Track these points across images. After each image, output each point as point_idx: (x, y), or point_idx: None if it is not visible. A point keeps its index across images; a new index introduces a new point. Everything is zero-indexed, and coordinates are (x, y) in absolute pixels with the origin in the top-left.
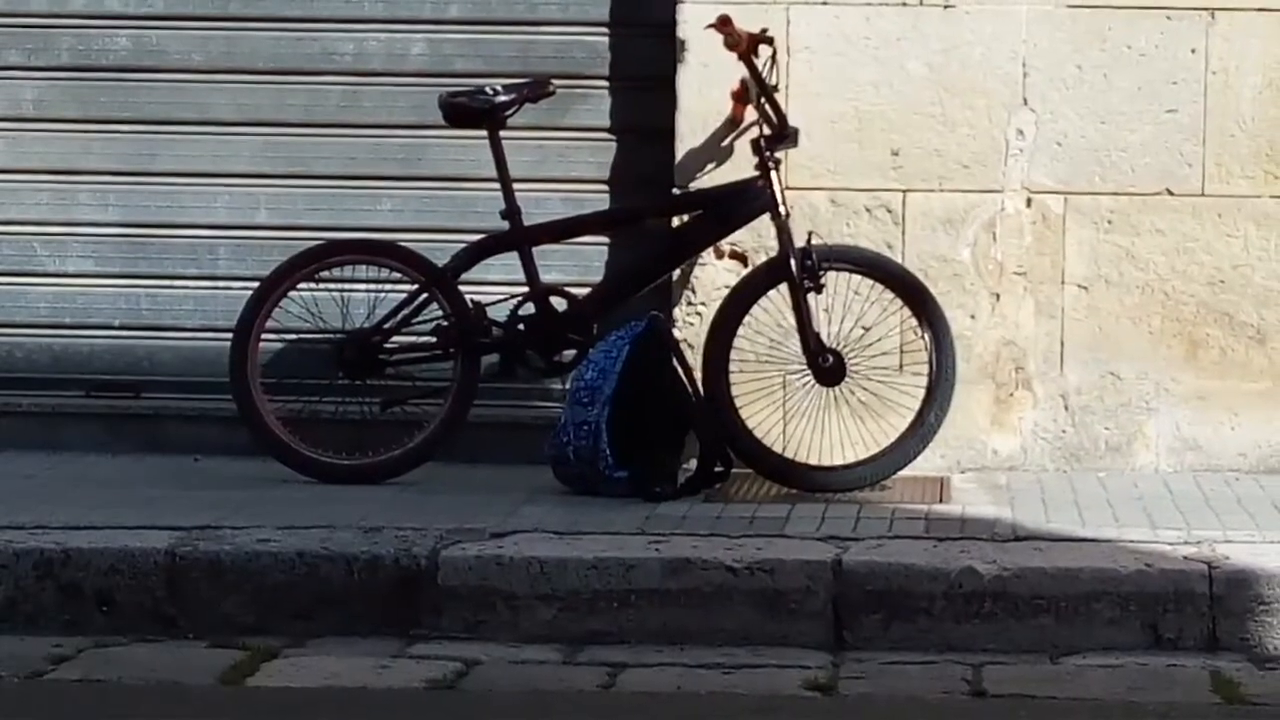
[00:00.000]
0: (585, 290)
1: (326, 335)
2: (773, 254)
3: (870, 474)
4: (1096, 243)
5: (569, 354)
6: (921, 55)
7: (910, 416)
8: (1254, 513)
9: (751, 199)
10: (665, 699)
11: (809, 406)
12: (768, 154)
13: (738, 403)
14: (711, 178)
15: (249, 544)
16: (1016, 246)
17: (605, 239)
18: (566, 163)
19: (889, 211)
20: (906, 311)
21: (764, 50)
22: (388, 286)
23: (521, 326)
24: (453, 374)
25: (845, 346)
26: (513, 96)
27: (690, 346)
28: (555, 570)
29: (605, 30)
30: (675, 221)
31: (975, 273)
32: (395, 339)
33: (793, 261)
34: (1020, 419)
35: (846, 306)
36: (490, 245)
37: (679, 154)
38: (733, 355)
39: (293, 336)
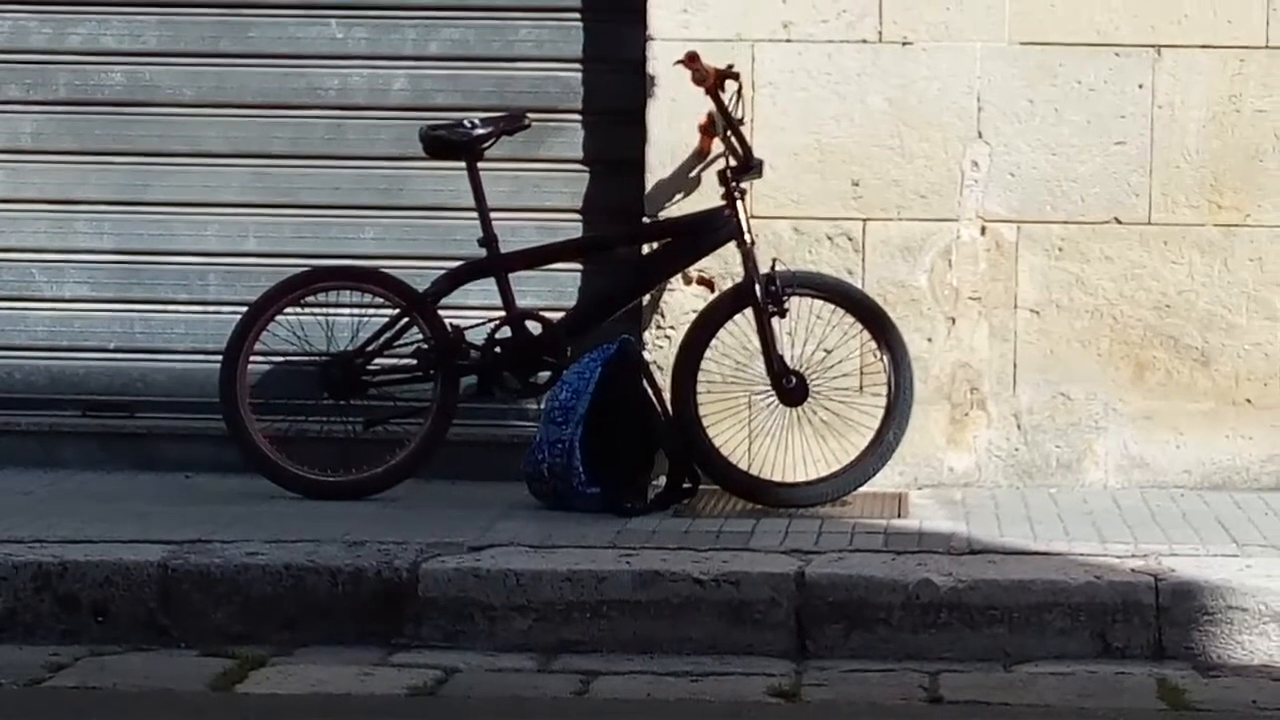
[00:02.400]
0: (559, 314)
1: (312, 357)
2: (738, 280)
3: (832, 490)
4: (1048, 269)
5: (544, 375)
6: (881, 90)
7: (870, 435)
8: (1198, 527)
9: (718, 227)
10: (636, 705)
11: (773, 426)
12: (733, 184)
13: (705, 422)
14: (680, 207)
15: (238, 557)
16: (971, 273)
17: (578, 266)
18: (541, 193)
19: (850, 239)
20: (866, 335)
21: (730, 85)
22: (370, 311)
23: (498, 349)
24: (433, 394)
25: (808, 368)
26: (490, 129)
27: (660, 368)
28: (530, 582)
29: (578, 66)
30: (645, 249)
31: (932, 298)
32: (378, 361)
33: (757, 287)
34: (975, 438)
35: (809, 330)
36: (468, 271)
37: (649, 184)
38: (700, 376)
39: (280, 359)
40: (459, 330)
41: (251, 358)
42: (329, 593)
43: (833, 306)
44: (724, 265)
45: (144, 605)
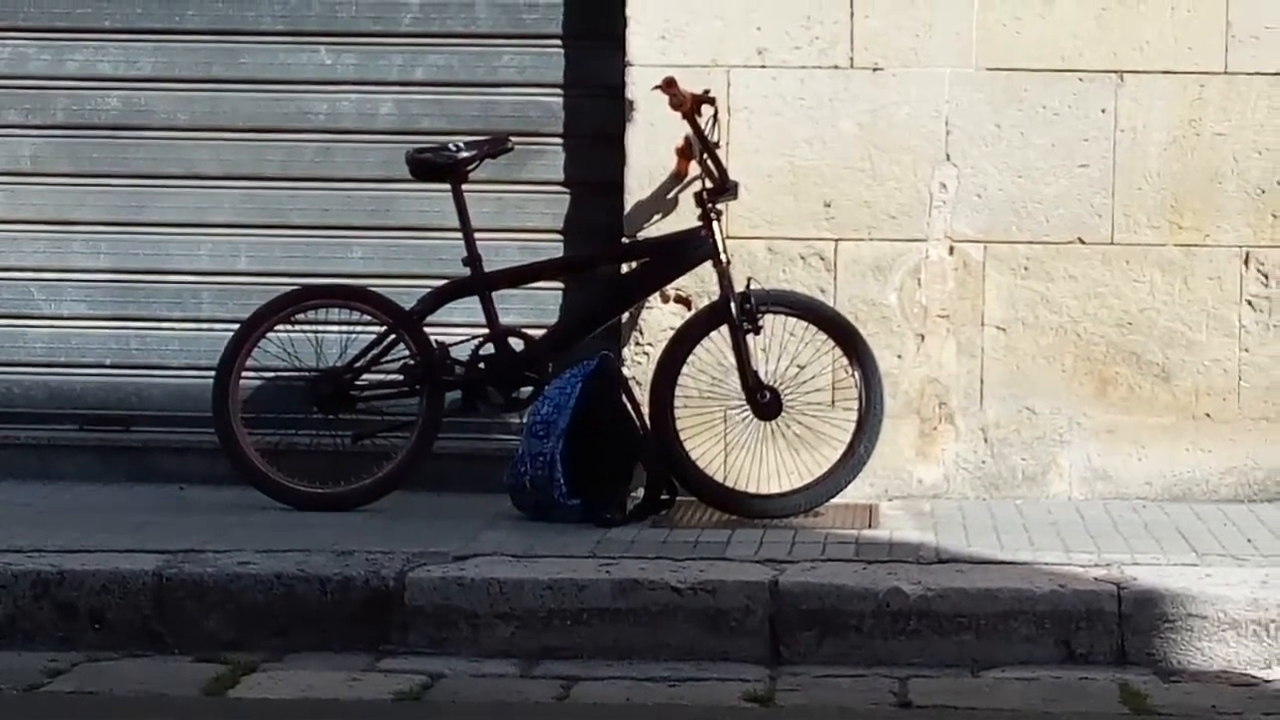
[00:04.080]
0: (541, 331)
1: (302, 373)
2: (714, 298)
3: (805, 502)
4: (1014, 288)
5: (526, 391)
6: (852, 115)
7: (842, 449)
8: (1159, 537)
9: (695, 247)
10: (616, 710)
11: (748, 439)
12: (710, 205)
13: (682, 435)
14: (658, 227)
15: (230, 566)
16: (940, 291)
17: (559, 284)
18: (523, 213)
19: (822, 259)
20: (838, 351)
21: (706, 110)
22: (358, 328)
23: (482, 365)
24: (418, 409)
25: (782, 384)
26: (474, 152)
27: (638, 384)
28: (513, 591)
29: (559, 91)
30: (624, 268)
31: (902, 315)
32: (365, 377)
33: (733, 305)
34: (943, 451)
35: (783, 347)
36: (453, 290)
37: (628, 205)
38: (677, 392)
39: (271, 374)
40: (444, 347)
41: (243, 373)
42: (318, 601)
43: (806, 324)
44: (701, 284)
45: (139, 613)
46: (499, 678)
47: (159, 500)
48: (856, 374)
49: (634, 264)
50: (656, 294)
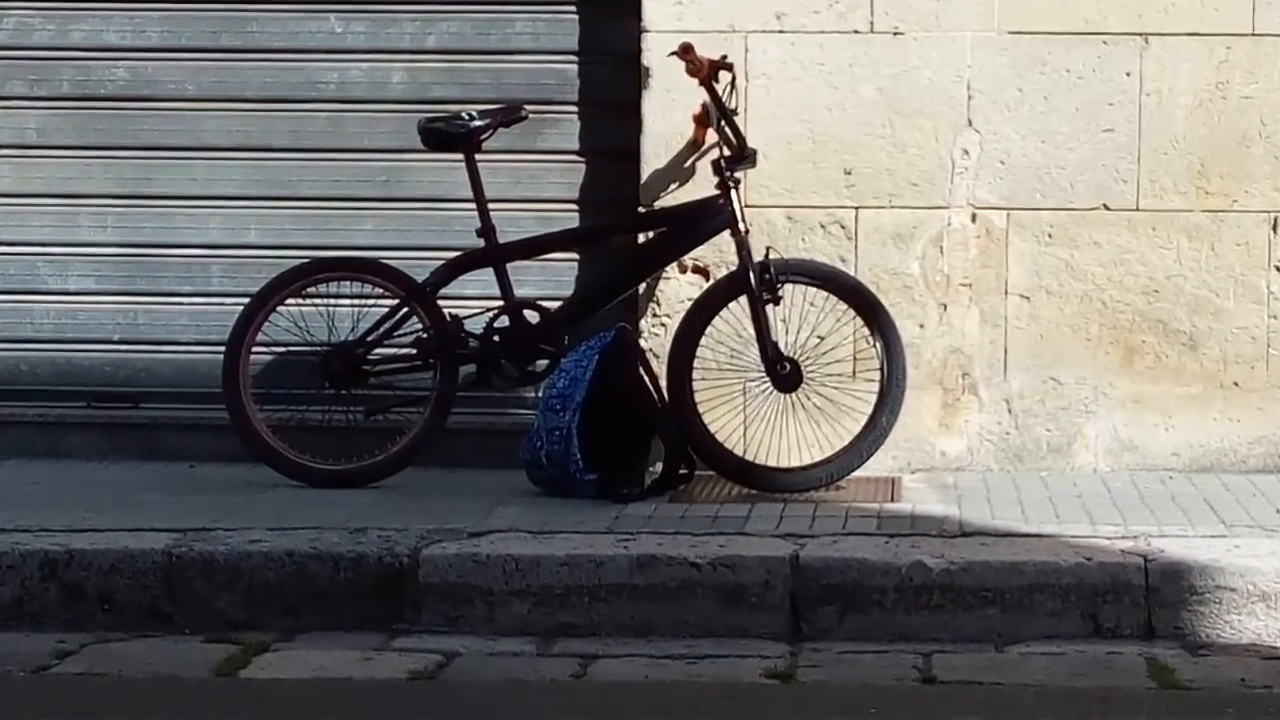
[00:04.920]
0: (556, 304)
1: (313, 348)
2: (733, 268)
3: (825, 475)
4: (1038, 255)
5: (541, 364)
6: (872, 80)
7: (863, 420)
8: (1187, 509)
9: (712, 216)
10: (634, 688)
11: (768, 412)
12: (728, 174)
13: (700, 409)
14: (675, 197)
15: (241, 544)
16: (962, 259)
17: (575, 255)
18: (538, 183)
19: (842, 227)
20: (859, 321)
21: (724, 76)
22: (370, 301)
23: (496, 338)
24: (432, 383)
25: (802, 355)
26: (487, 121)
27: (656, 356)
28: (529, 567)
29: (574, 59)
30: (641, 238)
31: (924, 284)
32: (378, 351)
33: (752, 275)
34: (966, 422)
35: (803, 317)
36: (467, 262)
37: (644, 174)
38: (695, 364)
39: (281, 349)
40: (458, 320)
41: (253, 348)
42: (331, 579)
43: (826, 294)
44: (719, 254)
45: (148, 593)
46: (515, 656)
47: (168, 478)
48: (878, 344)
49: (651, 234)
50: (674, 264)
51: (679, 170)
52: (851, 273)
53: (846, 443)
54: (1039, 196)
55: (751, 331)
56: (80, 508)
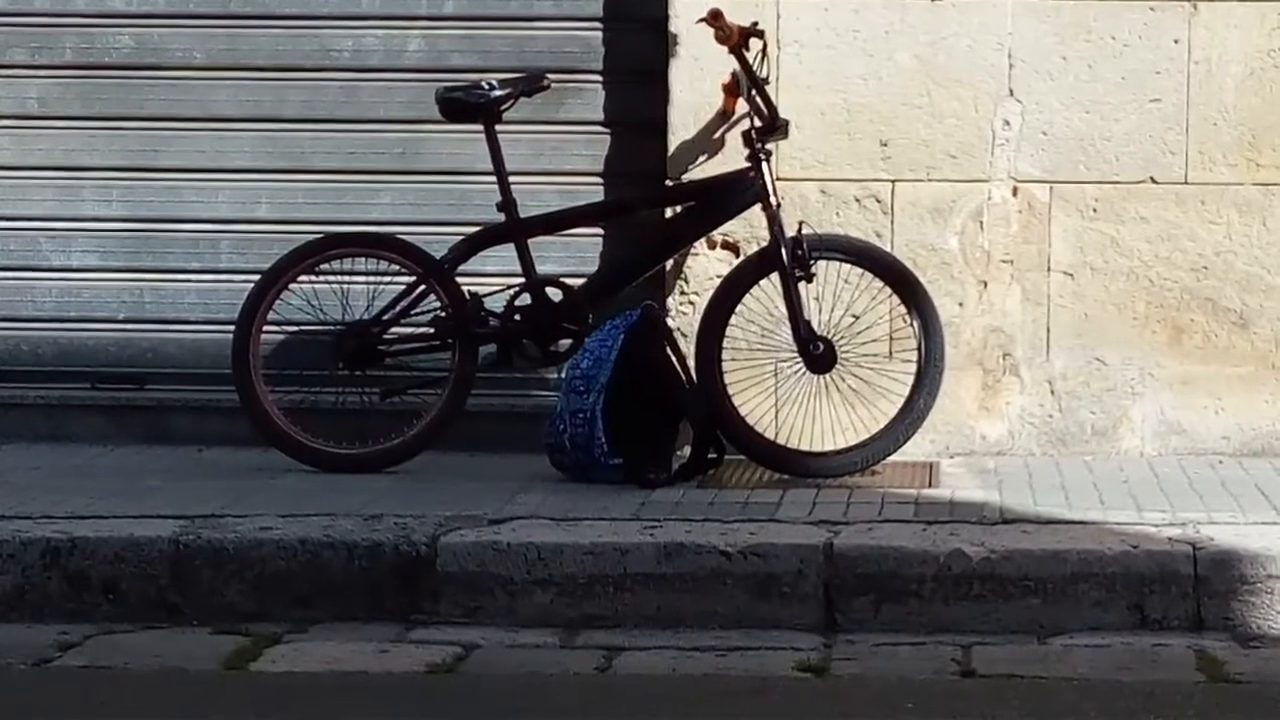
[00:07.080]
0: (580, 281)
1: (327, 327)
2: (764, 244)
3: (861, 459)
4: (1082, 230)
5: (564, 344)
6: (909, 48)
7: (900, 403)
8: (1237, 495)
9: (743, 190)
10: (661, 681)
11: (800, 393)
12: (759, 146)
13: (730, 390)
14: (703, 169)
15: (251, 532)
16: (1003, 235)
17: (599, 231)
18: (561, 156)
19: (878, 201)
20: (896, 299)
21: (754, 44)
22: (386, 279)
23: (518, 317)
24: (450, 364)
25: (836, 334)
26: (508, 91)
27: (683, 335)
28: (552, 555)
29: (599, 25)
30: (668, 213)
31: (963, 261)
32: (394, 330)
33: (784, 251)
34: (1007, 404)
35: (837, 295)
36: (486, 237)
37: (671, 146)
38: (725, 344)
39: (294, 328)
40: (477, 298)
41: (265, 327)
42: (345, 568)
43: (861, 271)
44: (749, 229)
45: (155, 582)
46: (537, 648)
47: (175, 462)
48: (915, 323)
49: (678, 208)
50: (702, 240)
51: (708, 142)
52: (887, 249)
53: (882, 426)
54: (1083, 169)
55: (783, 310)
56: (84, 494)
